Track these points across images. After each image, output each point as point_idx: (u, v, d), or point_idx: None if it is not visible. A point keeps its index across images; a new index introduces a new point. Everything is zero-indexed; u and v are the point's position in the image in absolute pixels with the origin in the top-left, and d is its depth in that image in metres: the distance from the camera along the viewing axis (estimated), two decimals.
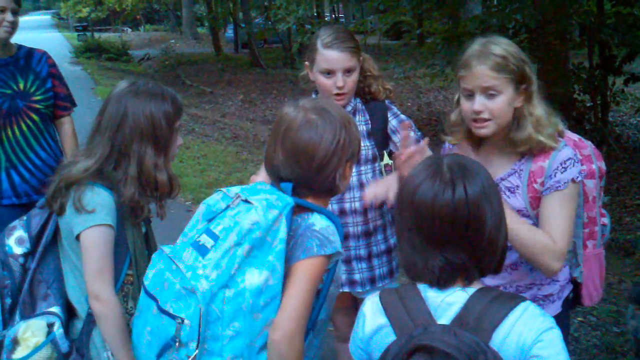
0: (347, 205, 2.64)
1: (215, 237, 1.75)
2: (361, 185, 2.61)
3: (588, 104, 10.29)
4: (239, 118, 14.99)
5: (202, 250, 1.75)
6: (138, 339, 1.82)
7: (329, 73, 2.55)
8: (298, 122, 1.87)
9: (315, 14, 20.40)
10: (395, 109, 2.73)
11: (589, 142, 2.16)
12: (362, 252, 2.70)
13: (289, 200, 1.80)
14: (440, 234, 1.48)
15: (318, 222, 1.82)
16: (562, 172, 2.05)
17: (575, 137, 2.15)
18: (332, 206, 2.61)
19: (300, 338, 1.74)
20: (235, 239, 1.72)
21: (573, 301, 2.31)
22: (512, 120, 2.09)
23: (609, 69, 9.89)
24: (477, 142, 2.22)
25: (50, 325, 2.12)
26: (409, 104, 15.24)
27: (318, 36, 2.61)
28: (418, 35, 21.20)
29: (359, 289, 2.72)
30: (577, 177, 2.06)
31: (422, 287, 1.53)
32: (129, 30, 45.11)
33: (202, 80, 20.41)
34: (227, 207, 1.82)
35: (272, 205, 1.76)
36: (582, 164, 2.13)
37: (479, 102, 2.06)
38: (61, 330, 2.12)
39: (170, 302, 1.71)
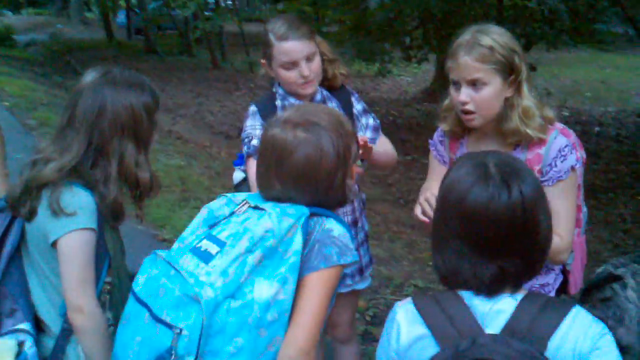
0: None
1: (220, 243, 1.61)
2: None
3: None
4: None
5: (205, 256, 1.61)
6: (123, 350, 1.64)
7: (291, 65, 2.44)
8: (290, 145, 1.69)
9: (213, 1, 19.97)
10: (356, 94, 2.68)
11: (571, 130, 2.18)
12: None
13: (304, 209, 1.66)
14: (494, 240, 1.40)
15: (336, 227, 1.69)
16: (562, 161, 2.05)
17: (560, 125, 2.15)
18: None
19: (314, 353, 1.62)
20: (247, 246, 1.58)
21: (560, 291, 2.33)
22: (503, 110, 2.06)
23: None
24: (468, 128, 2.20)
25: (20, 344, 1.89)
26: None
27: (269, 31, 2.47)
28: (317, 25, 21.25)
29: (349, 282, 2.65)
30: (576, 164, 2.07)
31: (466, 295, 1.44)
32: (10, 13, 42.52)
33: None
34: (233, 213, 1.69)
35: (287, 213, 1.63)
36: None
37: (465, 93, 2.03)
38: (34, 350, 1.90)
39: (168, 310, 1.55)
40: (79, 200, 1.89)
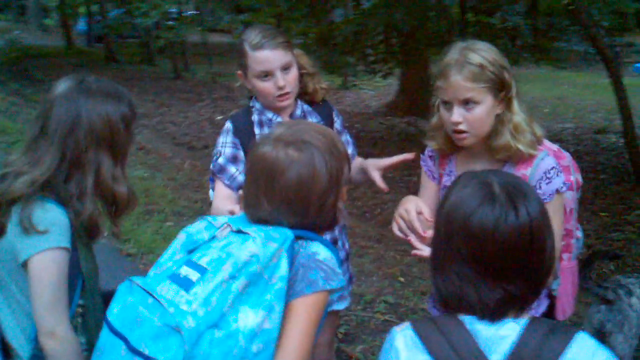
0: None
1: (201, 270, 1.52)
2: None
3: None
4: None
5: (185, 283, 1.50)
6: None
7: (266, 75, 2.38)
8: (282, 164, 1.62)
9: (177, 11, 19.82)
10: (335, 109, 2.65)
11: (567, 153, 2.15)
12: None
13: (288, 233, 1.59)
14: (501, 262, 1.36)
15: (321, 251, 1.63)
16: (547, 184, 2.02)
17: (554, 147, 2.13)
18: None
19: None
20: (231, 272, 1.49)
21: (546, 316, 2.28)
22: (493, 127, 2.04)
23: None
24: (457, 146, 2.17)
25: None
26: None
27: (244, 40, 2.43)
28: None
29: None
30: (562, 187, 2.04)
31: (468, 320, 1.39)
32: None
33: (55, 75, 18.98)
34: (213, 237, 1.61)
35: (271, 237, 1.55)
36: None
37: (457, 113, 2.00)
38: None
39: (146, 342, 1.45)
40: (52, 217, 1.80)
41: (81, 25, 30.28)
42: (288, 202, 1.62)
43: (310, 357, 1.58)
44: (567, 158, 2.12)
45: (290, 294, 1.56)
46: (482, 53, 2.00)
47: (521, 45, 10.05)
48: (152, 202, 6.82)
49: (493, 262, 1.36)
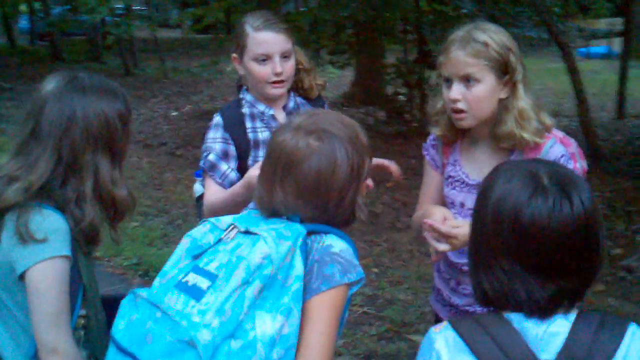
0: None
1: (211, 276, 1.42)
2: None
3: (402, 97, 10.81)
4: None
5: (195, 292, 1.41)
6: None
7: (265, 59, 2.31)
8: (302, 153, 1.53)
9: (125, 7, 19.40)
10: (327, 104, 2.60)
11: (573, 140, 2.10)
12: None
13: (300, 228, 1.50)
14: (554, 256, 1.28)
15: (336, 243, 1.54)
16: None
17: (560, 134, 2.08)
18: None
19: None
20: (244, 277, 1.40)
21: None
22: (497, 113, 1.99)
23: (426, 63, 10.48)
24: (461, 132, 2.12)
25: None
26: (232, 98, 15.04)
27: (245, 22, 2.35)
28: (226, 29, 21.05)
29: None
30: None
31: (515, 317, 1.32)
32: None
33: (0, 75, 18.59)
34: (220, 240, 1.51)
35: (282, 235, 1.46)
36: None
37: (456, 90, 1.96)
38: None
39: (159, 359, 1.35)
40: (51, 224, 1.68)
41: (23, 23, 29.42)
42: (305, 194, 1.54)
43: (333, 355, 1.50)
44: (573, 145, 2.07)
45: (306, 292, 1.47)
46: (490, 33, 1.96)
47: None
48: None
49: (546, 257, 1.29)
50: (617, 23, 22.42)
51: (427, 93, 10.75)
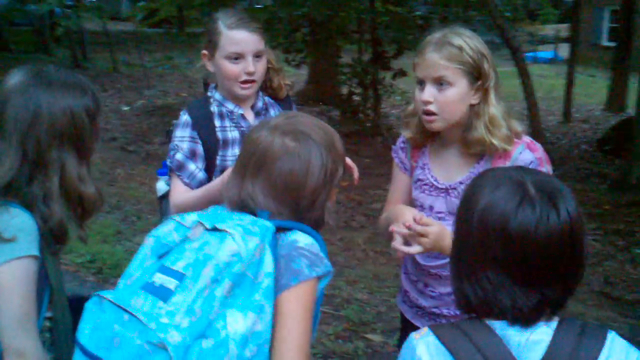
0: None
1: (178, 276, 1.39)
2: None
3: (356, 97, 10.89)
4: None
5: (162, 293, 1.37)
6: None
7: (237, 58, 2.29)
8: (276, 152, 1.54)
9: None
10: (294, 105, 2.60)
11: (539, 145, 2.12)
12: None
13: (268, 224, 1.48)
14: (540, 265, 1.28)
15: (301, 238, 1.53)
16: None
17: (527, 139, 2.10)
18: None
19: None
20: (212, 275, 1.37)
21: None
22: (468, 119, 2.02)
23: (380, 64, 10.58)
24: (431, 136, 2.14)
25: None
26: (184, 94, 14.87)
27: (218, 19, 2.32)
28: (178, 24, 20.82)
29: None
30: None
31: (498, 325, 1.31)
32: None
33: None
34: (185, 238, 1.48)
35: (249, 231, 1.44)
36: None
37: (428, 92, 1.98)
38: None
39: None
40: (19, 223, 1.63)
41: None
42: (275, 192, 1.55)
43: (310, 350, 1.50)
44: (539, 150, 2.09)
45: (276, 288, 1.46)
46: (465, 38, 1.99)
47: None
48: None
49: (532, 266, 1.28)
50: (563, 29, 23.15)
51: (381, 94, 10.92)
